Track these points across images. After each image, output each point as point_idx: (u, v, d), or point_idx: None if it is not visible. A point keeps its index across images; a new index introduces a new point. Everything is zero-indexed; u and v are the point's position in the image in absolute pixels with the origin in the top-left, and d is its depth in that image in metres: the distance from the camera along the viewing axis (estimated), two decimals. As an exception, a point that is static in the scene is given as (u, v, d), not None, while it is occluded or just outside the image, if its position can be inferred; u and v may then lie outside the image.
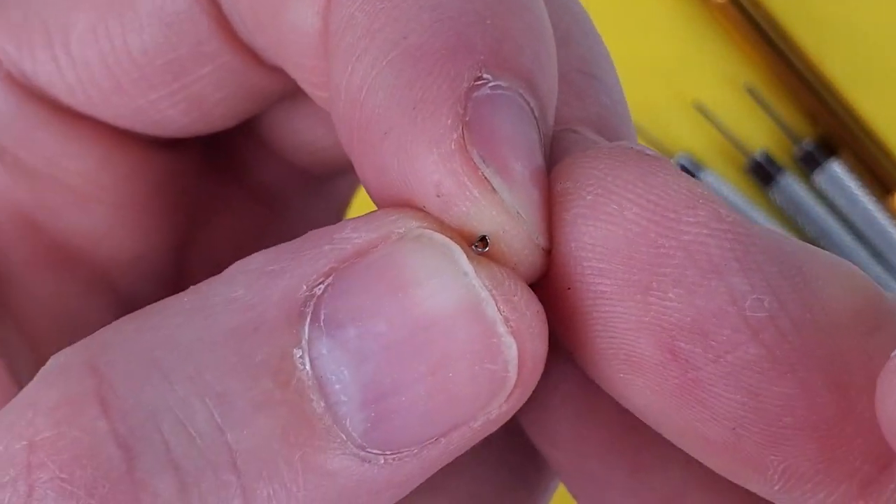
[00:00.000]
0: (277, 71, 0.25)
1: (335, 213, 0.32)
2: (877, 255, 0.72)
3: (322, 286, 0.19)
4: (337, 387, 0.18)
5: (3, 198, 0.27)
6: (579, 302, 0.19)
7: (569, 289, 0.19)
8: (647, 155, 0.19)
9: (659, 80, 0.73)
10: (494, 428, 0.19)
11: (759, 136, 0.73)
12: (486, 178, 0.19)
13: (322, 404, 0.18)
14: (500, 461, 0.27)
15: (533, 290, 0.20)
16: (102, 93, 0.26)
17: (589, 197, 0.19)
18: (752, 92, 0.72)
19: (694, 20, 0.73)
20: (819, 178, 0.72)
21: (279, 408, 0.18)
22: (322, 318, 0.18)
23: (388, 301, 0.18)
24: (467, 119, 0.19)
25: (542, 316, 0.19)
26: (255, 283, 0.19)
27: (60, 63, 0.26)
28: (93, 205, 0.28)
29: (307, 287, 0.19)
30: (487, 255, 0.19)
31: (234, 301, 0.19)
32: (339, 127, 0.21)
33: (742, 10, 0.72)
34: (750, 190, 0.73)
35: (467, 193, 0.19)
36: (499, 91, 0.19)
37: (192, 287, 0.20)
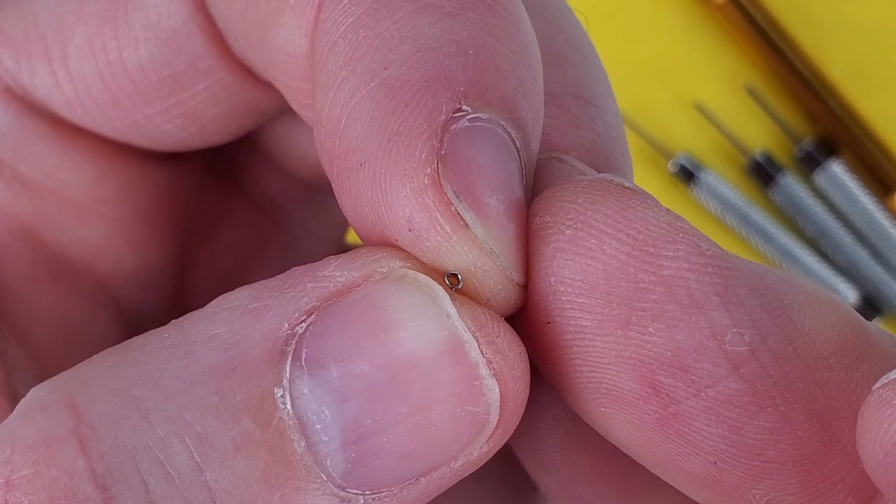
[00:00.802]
0: (273, 88, 0.25)
1: (338, 226, 0.32)
2: (877, 255, 0.72)
3: (304, 325, 0.19)
4: (318, 427, 0.18)
5: (3, 211, 0.27)
6: (559, 336, 0.19)
7: (548, 323, 0.19)
8: (628, 188, 0.19)
9: (659, 80, 0.73)
10: (475, 468, 0.20)
11: (759, 136, 0.73)
12: (458, 213, 0.19)
13: (303, 444, 0.18)
14: (500, 480, 0.27)
15: (511, 323, 0.20)
16: (100, 107, 0.26)
17: (568, 231, 0.19)
18: (752, 92, 0.72)
19: (694, 20, 0.73)
20: (819, 178, 0.72)
21: (259, 448, 0.18)
22: (304, 357, 0.19)
23: (371, 342, 0.19)
24: (443, 152, 0.19)
25: (525, 357, 0.19)
26: (236, 320, 0.19)
27: (58, 77, 0.26)
28: (93, 217, 0.28)
29: (289, 325, 0.19)
30: (461, 292, 0.20)
31: (215, 339, 0.19)
32: (321, 153, 0.21)
33: (742, 10, 0.72)
34: (750, 190, 0.73)
35: (438, 229, 0.19)
36: (478, 123, 0.19)
37: (173, 321, 0.20)
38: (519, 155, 0.20)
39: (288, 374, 0.18)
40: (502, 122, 0.19)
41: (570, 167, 0.22)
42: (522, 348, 0.19)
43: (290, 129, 0.29)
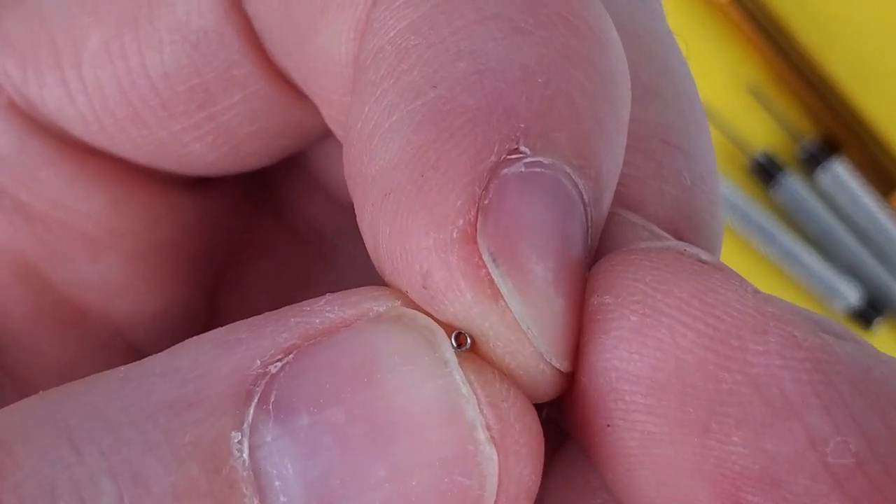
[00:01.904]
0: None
1: None
2: (880, 255, 0.71)
3: (279, 364, 0.16)
4: (277, 483, 0.15)
5: (2, 247, 0.24)
6: (621, 442, 0.16)
7: (608, 426, 0.16)
8: (705, 263, 0.16)
9: (660, 79, 0.72)
10: None
11: (761, 135, 0.72)
12: (490, 279, 0.16)
13: (255, 501, 0.15)
14: None
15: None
16: (117, 122, 0.22)
17: (633, 318, 0.16)
18: (754, 91, 0.72)
19: (696, 19, 0.73)
20: (821, 177, 0.71)
21: (203, 499, 0.15)
22: (272, 399, 0.16)
23: (351, 387, 0.15)
24: (486, 202, 0.16)
25: (537, 434, 0.16)
26: (203, 354, 0.16)
27: (70, 87, 0.22)
28: (106, 253, 0.24)
29: (261, 363, 0.16)
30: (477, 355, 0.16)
31: (175, 372, 0.16)
32: (347, 172, 0.18)
33: (745, 9, 0.71)
34: (752, 189, 0.72)
35: (457, 295, 0.16)
36: (536, 169, 0.16)
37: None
38: (585, 211, 0.16)
39: (251, 418, 0.15)
40: (568, 170, 0.16)
41: (633, 224, 0.18)
42: (536, 423, 0.16)
43: (337, 148, 0.25)
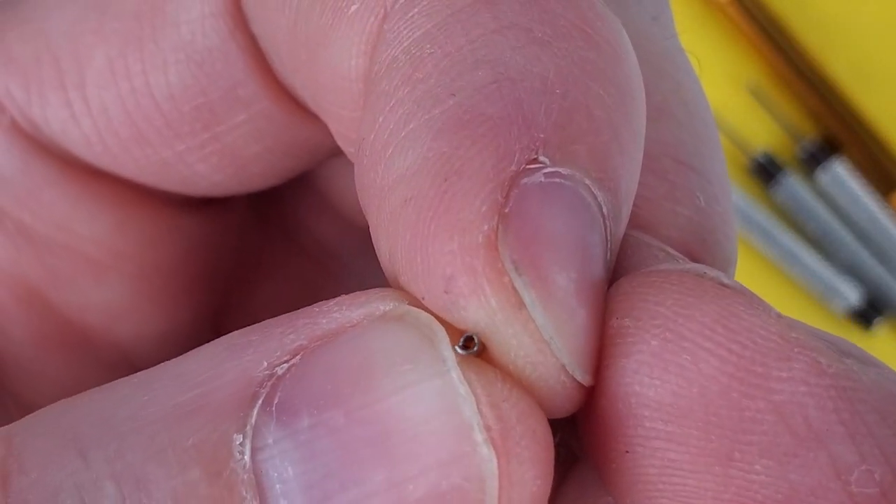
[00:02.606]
0: (324, 123, 0.21)
1: None
2: (880, 254, 0.71)
3: (286, 366, 0.16)
4: (277, 487, 0.15)
5: (4, 269, 0.23)
6: (640, 469, 0.16)
7: (626, 452, 0.16)
8: (727, 286, 0.16)
9: (660, 79, 0.72)
10: None
11: (761, 135, 0.72)
12: (513, 287, 0.15)
13: None
14: None
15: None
16: (122, 143, 0.22)
17: (654, 342, 0.15)
18: (754, 91, 0.72)
19: (696, 19, 0.72)
20: (821, 177, 0.71)
21: (203, 503, 0.15)
22: (276, 401, 0.15)
23: (350, 388, 0.15)
24: (507, 210, 0.15)
25: (542, 438, 0.16)
26: (213, 357, 0.16)
27: (74, 108, 0.22)
28: (110, 275, 0.24)
29: (268, 365, 0.16)
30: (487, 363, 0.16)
31: (184, 376, 0.16)
32: (358, 185, 0.18)
33: (745, 9, 0.71)
34: (752, 189, 0.72)
35: (482, 300, 0.15)
36: (555, 180, 0.16)
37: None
38: (605, 224, 0.16)
39: (254, 420, 0.15)
40: (587, 182, 0.16)
41: (650, 246, 0.18)
42: (541, 426, 0.16)
43: (347, 167, 0.25)
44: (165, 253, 0.24)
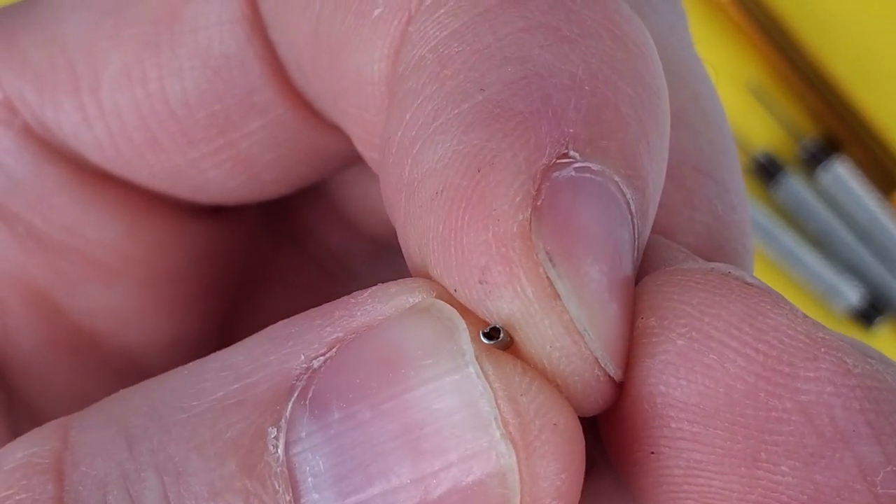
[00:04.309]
0: (340, 132, 0.21)
1: None
2: (881, 254, 0.71)
3: (322, 359, 0.16)
4: (310, 480, 0.15)
5: (14, 274, 0.23)
6: (665, 470, 0.16)
7: (652, 453, 0.16)
8: (752, 286, 0.16)
9: (661, 79, 0.72)
10: None
11: (762, 134, 0.72)
12: (547, 278, 0.15)
13: (287, 499, 0.15)
14: None
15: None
16: (135, 148, 0.22)
17: (680, 342, 0.15)
18: (754, 90, 0.72)
19: (697, 18, 0.72)
20: (822, 176, 0.71)
21: (236, 497, 0.15)
22: (310, 395, 0.15)
23: (377, 381, 0.15)
24: (539, 203, 0.15)
25: (564, 431, 0.15)
26: (257, 348, 0.16)
27: (88, 112, 0.22)
28: (119, 281, 0.24)
29: (305, 358, 0.16)
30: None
31: (230, 368, 0.16)
32: (384, 183, 0.18)
33: (746, 9, 0.71)
34: (753, 189, 0.72)
35: (517, 291, 0.15)
36: (586, 175, 0.16)
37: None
38: (633, 221, 0.16)
39: (289, 413, 0.15)
40: (616, 179, 0.16)
41: (672, 248, 0.18)
42: (565, 421, 0.15)
43: (359, 176, 0.25)
44: (175, 259, 0.24)
